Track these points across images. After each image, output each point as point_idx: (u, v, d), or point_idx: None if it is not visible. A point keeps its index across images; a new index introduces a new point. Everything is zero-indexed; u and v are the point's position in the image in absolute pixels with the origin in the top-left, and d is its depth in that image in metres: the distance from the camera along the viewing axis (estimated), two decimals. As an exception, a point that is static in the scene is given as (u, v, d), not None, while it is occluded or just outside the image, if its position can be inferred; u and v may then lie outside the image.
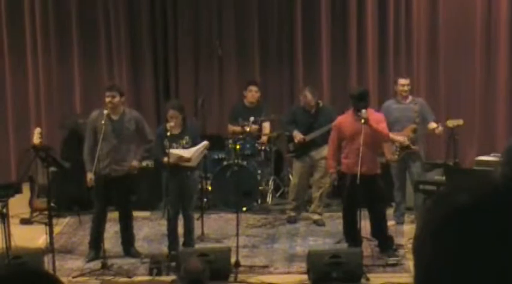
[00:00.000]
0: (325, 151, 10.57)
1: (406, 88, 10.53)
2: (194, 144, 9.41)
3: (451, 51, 13.47)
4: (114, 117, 9.35)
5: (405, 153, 10.33)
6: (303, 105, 10.94)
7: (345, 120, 9.54)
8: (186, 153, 9.31)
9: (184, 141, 9.39)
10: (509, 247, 1.08)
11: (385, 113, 10.28)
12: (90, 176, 9.32)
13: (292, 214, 11.05)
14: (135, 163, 9.60)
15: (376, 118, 9.40)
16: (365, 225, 9.50)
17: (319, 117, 10.84)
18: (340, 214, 10.04)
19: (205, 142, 9.52)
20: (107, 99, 9.36)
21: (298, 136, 10.81)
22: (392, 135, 10.10)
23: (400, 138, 10.26)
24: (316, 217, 11.00)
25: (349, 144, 9.36)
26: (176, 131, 9.34)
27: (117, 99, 9.41)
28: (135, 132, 9.56)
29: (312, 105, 10.84)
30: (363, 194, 9.08)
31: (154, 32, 13.71)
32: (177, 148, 9.36)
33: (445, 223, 1.13)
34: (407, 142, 10.26)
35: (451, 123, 10.52)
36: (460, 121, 10.58)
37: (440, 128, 10.39)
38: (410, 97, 10.62)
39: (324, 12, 13.45)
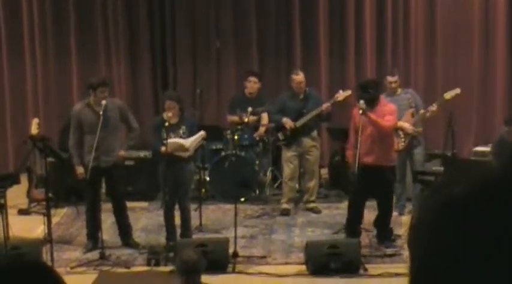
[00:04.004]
0: (315, 136, 10.84)
1: (393, 85, 10.60)
2: (191, 133, 9.42)
3: (449, 45, 13.47)
4: (98, 108, 9.31)
5: (410, 137, 10.38)
6: (293, 89, 10.89)
7: (356, 110, 9.48)
8: (184, 142, 9.31)
9: (181, 131, 9.40)
10: (507, 238, 1.08)
11: None
12: (80, 170, 9.32)
13: (286, 206, 11.03)
14: (122, 152, 9.60)
15: (384, 110, 9.31)
16: (364, 216, 9.51)
17: (308, 102, 10.84)
18: (338, 204, 10.07)
19: (202, 132, 9.53)
20: (104, 94, 9.32)
21: (288, 122, 10.79)
22: (399, 123, 10.19)
23: (406, 124, 10.28)
24: (311, 205, 11.04)
25: (357, 135, 9.29)
26: (173, 121, 9.34)
27: (107, 93, 9.44)
28: (120, 121, 9.55)
29: (303, 86, 10.81)
30: (370, 185, 9.06)
31: (152, 23, 13.70)
32: (174, 137, 9.36)
33: (442, 214, 1.13)
34: (411, 130, 10.31)
35: (448, 95, 10.56)
36: (457, 90, 10.60)
37: (432, 108, 10.42)
38: (399, 90, 10.68)
39: (322, 5, 13.45)
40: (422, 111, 10.51)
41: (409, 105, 10.48)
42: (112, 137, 9.42)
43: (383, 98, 9.92)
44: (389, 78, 10.65)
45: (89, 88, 9.50)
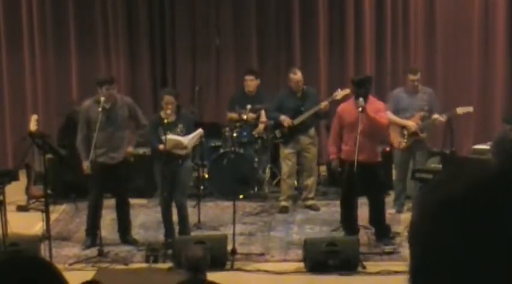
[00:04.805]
0: (313, 134, 10.84)
1: (416, 83, 10.56)
2: (188, 131, 9.41)
3: (449, 40, 13.46)
4: (107, 105, 9.32)
5: (413, 140, 10.38)
6: (291, 88, 10.91)
7: (346, 107, 9.52)
8: (182, 139, 9.31)
9: (178, 129, 9.39)
10: (505, 236, 1.08)
11: (393, 101, 10.45)
12: (86, 164, 9.33)
13: (285, 204, 11.04)
14: (130, 149, 9.62)
15: (376, 106, 9.37)
16: (362, 213, 9.51)
17: (306, 100, 10.86)
18: (337, 202, 10.06)
19: (200, 130, 9.54)
20: (111, 92, 9.32)
21: (286, 120, 10.80)
22: (401, 120, 10.17)
23: (409, 122, 10.29)
24: (309, 202, 11.05)
25: (348, 132, 9.35)
26: (171, 119, 9.34)
27: (116, 90, 9.47)
28: (129, 118, 9.57)
29: (301, 84, 10.84)
30: (361, 182, 9.09)
31: (151, 20, 13.70)
32: (171, 135, 9.36)
33: (441, 212, 1.13)
34: (415, 128, 10.31)
35: (461, 110, 10.57)
36: (470, 109, 10.62)
37: (441, 118, 10.40)
38: (419, 87, 10.66)
39: (321, 3, 13.45)
40: (435, 116, 10.41)
41: (423, 107, 10.45)
42: (120, 134, 9.44)
43: (400, 92, 10.33)
44: (411, 76, 10.60)
45: (96, 85, 9.53)
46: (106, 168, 9.35)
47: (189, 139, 9.36)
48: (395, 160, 10.81)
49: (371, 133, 9.29)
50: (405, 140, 10.41)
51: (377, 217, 9.53)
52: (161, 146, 9.28)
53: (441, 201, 1.14)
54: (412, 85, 10.55)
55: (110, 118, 9.29)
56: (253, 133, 11.61)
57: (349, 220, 9.43)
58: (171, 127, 9.33)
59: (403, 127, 10.38)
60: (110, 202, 9.83)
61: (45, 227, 9.10)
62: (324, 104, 10.71)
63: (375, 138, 9.52)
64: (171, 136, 9.25)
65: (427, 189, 1.19)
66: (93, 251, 9.26)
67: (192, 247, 7.15)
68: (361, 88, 9.31)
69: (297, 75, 10.85)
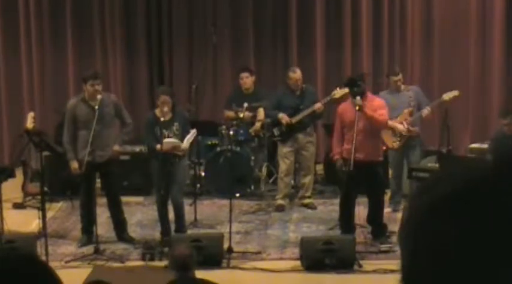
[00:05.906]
0: (311, 132, 10.87)
1: (398, 83, 10.62)
2: (184, 129, 9.41)
3: (446, 39, 13.46)
4: (93, 103, 9.30)
5: (407, 137, 10.39)
6: (289, 86, 10.91)
7: (345, 106, 9.53)
8: (180, 143, 9.31)
9: (174, 128, 9.40)
10: (496, 236, 1.08)
11: None
12: (74, 165, 9.32)
13: (281, 202, 11.03)
14: (116, 147, 9.61)
15: (375, 104, 9.36)
16: (358, 212, 9.51)
17: (304, 99, 10.86)
18: (333, 200, 10.09)
19: (194, 131, 9.56)
20: (96, 88, 9.31)
21: (284, 118, 10.79)
22: (392, 123, 10.18)
23: (400, 126, 10.30)
24: (306, 201, 11.05)
25: (349, 131, 9.34)
26: (167, 117, 9.33)
27: (101, 86, 9.44)
28: (114, 116, 9.56)
29: (300, 83, 10.83)
30: (362, 181, 9.09)
31: (148, 18, 13.68)
32: (168, 134, 9.36)
33: (431, 212, 1.13)
34: (404, 132, 10.32)
35: (447, 96, 10.60)
36: (456, 92, 10.64)
37: (426, 111, 10.45)
38: (403, 86, 10.70)
39: (318, 0, 13.43)
40: (426, 109, 10.47)
41: (409, 103, 10.49)
42: (107, 132, 9.43)
43: (385, 94, 10.19)
44: (394, 78, 10.66)
45: (82, 82, 9.53)
46: (94, 167, 9.34)
47: (185, 143, 9.38)
48: (390, 160, 10.82)
49: (371, 132, 9.27)
50: (398, 139, 10.43)
51: (376, 216, 9.53)
52: (158, 146, 9.27)
53: (437, 198, 1.14)
54: (395, 86, 10.61)
55: (96, 117, 9.25)
56: (250, 131, 11.60)
57: (347, 219, 9.43)
58: (167, 126, 9.33)
59: (391, 128, 10.39)
60: (105, 200, 9.82)
61: (41, 225, 9.10)
62: (317, 106, 10.69)
63: (376, 137, 9.47)
64: (168, 140, 9.25)
65: (422, 187, 1.19)
66: (89, 249, 9.26)
67: (178, 246, 7.14)
68: (354, 87, 9.32)
69: (296, 74, 10.85)
